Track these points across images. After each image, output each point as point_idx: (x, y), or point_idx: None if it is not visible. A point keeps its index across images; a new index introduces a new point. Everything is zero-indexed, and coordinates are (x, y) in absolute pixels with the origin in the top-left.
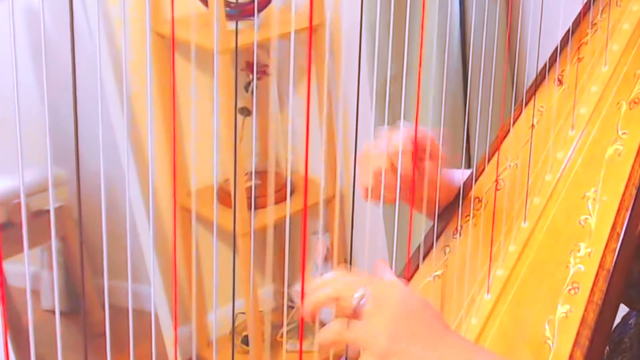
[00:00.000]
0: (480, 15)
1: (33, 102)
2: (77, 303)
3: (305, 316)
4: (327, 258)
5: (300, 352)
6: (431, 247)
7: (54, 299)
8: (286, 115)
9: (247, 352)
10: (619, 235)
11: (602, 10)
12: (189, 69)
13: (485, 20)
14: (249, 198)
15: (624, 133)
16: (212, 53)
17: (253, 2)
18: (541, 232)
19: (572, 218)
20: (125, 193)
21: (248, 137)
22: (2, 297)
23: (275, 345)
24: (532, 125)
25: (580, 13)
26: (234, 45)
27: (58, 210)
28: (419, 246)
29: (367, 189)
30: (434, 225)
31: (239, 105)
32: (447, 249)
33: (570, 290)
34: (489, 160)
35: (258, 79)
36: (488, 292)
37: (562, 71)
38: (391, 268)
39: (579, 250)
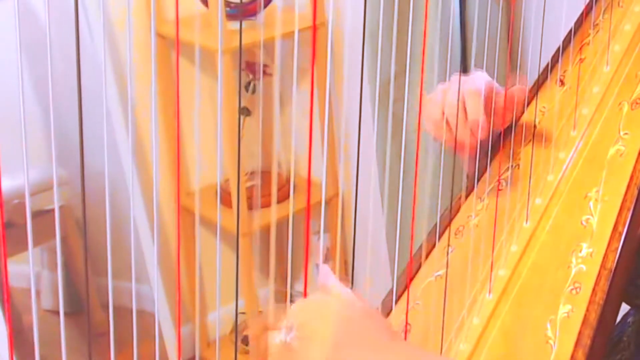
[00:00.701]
0: (482, 15)
1: (31, 102)
2: (77, 303)
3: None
4: (327, 258)
5: None
6: (433, 246)
7: (54, 299)
8: (286, 115)
9: (247, 352)
10: (620, 235)
11: (604, 11)
12: (190, 69)
13: (486, 21)
14: (249, 198)
15: (626, 133)
16: (212, 53)
17: (253, 2)
18: (543, 232)
19: (573, 218)
20: (125, 193)
21: (248, 137)
22: (7, 297)
23: None
24: (534, 126)
25: (582, 14)
26: (234, 45)
27: (59, 210)
28: (420, 246)
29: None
30: (436, 225)
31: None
32: (449, 249)
33: (572, 290)
34: (491, 160)
35: (258, 78)
36: (490, 292)
37: (564, 72)
38: (392, 268)
39: (580, 250)
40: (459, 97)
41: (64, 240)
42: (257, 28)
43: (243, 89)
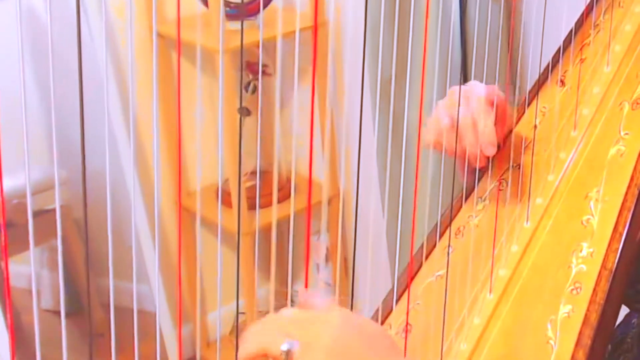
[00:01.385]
0: (483, 15)
1: (32, 102)
2: (76, 303)
3: None
4: (327, 258)
5: None
6: (433, 246)
7: (53, 299)
8: (286, 115)
9: None
10: (621, 235)
11: (605, 12)
12: (190, 69)
13: (487, 21)
14: (249, 198)
15: (627, 134)
16: (212, 53)
17: (253, 2)
18: (543, 232)
19: (574, 218)
20: (126, 193)
21: (248, 137)
22: (8, 297)
23: None
24: (535, 126)
25: (582, 14)
26: (234, 45)
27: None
28: (421, 246)
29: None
30: (436, 225)
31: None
32: (450, 249)
33: (572, 290)
34: (491, 160)
35: (259, 78)
36: (490, 292)
37: (565, 72)
38: (392, 268)
39: (581, 250)
40: (459, 105)
41: (63, 240)
42: (257, 28)
43: (243, 89)
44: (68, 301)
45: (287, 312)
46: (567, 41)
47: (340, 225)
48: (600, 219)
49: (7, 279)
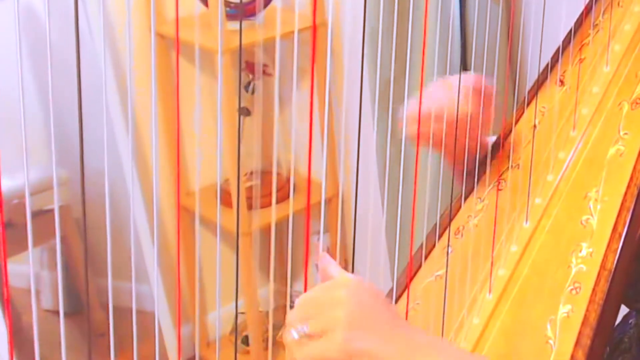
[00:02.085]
0: (482, 15)
1: (31, 102)
2: (76, 303)
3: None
4: None
5: None
6: (433, 246)
7: (54, 299)
8: (286, 115)
9: (247, 352)
10: (620, 235)
11: (604, 11)
12: (189, 69)
13: (486, 21)
14: (249, 198)
15: (626, 133)
16: (211, 53)
17: (253, 2)
18: (543, 232)
19: (573, 218)
20: (125, 193)
21: (248, 137)
22: (7, 297)
23: (276, 345)
24: (534, 126)
25: (582, 14)
26: (234, 45)
27: (58, 210)
28: (421, 246)
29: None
30: (436, 225)
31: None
32: (449, 249)
33: (571, 290)
34: (491, 160)
35: (258, 78)
36: (490, 292)
37: (564, 72)
38: (392, 268)
39: (580, 250)
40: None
41: (63, 240)
42: (256, 28)
43: (243, 89)
44: (67, 301)
45: (299, 300)
46: (567, 41)
47: (340, 225)
48: (600, 219)
49: (7, 279)
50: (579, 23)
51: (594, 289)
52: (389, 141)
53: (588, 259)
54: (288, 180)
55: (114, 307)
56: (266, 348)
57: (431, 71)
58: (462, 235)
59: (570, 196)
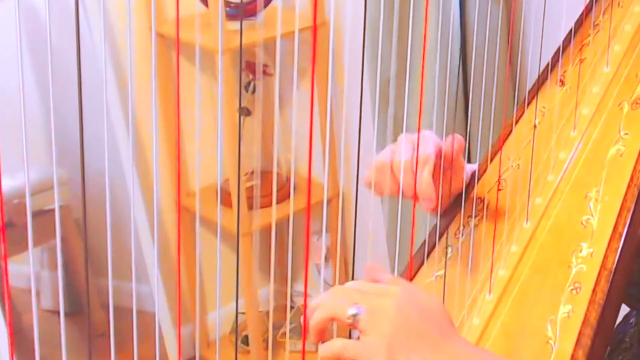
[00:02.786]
0: (482, 15)
1: (31, 102)
2: (76, 303)
3: (311, 341)
4: (327, 258)
5: (304, 352)
6: (433, 247)
7: (54, 299)
8: (286, 115)
9: (247, 352)
10: (620, 235)
11: (604, 11)
12: (190, 69)
13: (487, 21)
14: (249, 198)
15: (626, 134)
16: (212, 53)
17: (253, 2)
18: (543, 232)
19: (574, 218)
20: (126, 193)
21: (248, 137)
22: (7, 297)
23: (276, 345)
24: (534, 126)
25: (582, 14)
26: (234, 45)
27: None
28: (421, 246)
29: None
30: (436, 225)
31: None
32: (449, 249)
33: (572, 290)
34: (491, 161)
35: (259, 78)
36: (490, 292)
37: (564, 72)
38: (392, 268)
39: (580, 251)
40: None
41: (63, 240)
42: (257, 28)
43: (243, 89)
44: (68, 301)
45: (354, 283)
46: (567, 41)
47: (340, 225)
48: (600, 219)
49: (7, 279)
50: (579, 23)
51: (594, 289)
52: (389, 141)
53: (588, 259)
54: (288, 180)
55: (114, 307)
56: (266, 348)
57: (431, 71)
58: (462, 235)
59: (571, 196)
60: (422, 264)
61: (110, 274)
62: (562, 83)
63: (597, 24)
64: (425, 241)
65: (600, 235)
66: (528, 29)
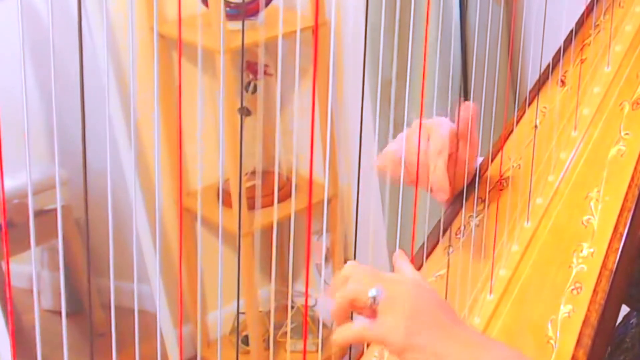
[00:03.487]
0: (483, 15)
1: (33, 102)
2: (77, 303)
3: (334, 319)
4: (327, 258)
5: (304, 352)
6: (434, 246)
7: (54, 299)
8: (287, 115)
9: (247, 352)
10: (621, 235)
11: (605, 12)
12: (191, 69)
13: (488, 21)
14: (250, 198)
15: (627, 134)
16: (213, 53)
17: (254, 1)
18: (544, 232)
19: (574, 218)
20: (126, 193)
21: (248, 137)
22: (9, 297)
23: (276, 345)
24: (535, 126)
25: (583, 14)
26: (235, 45)
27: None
28: (421, 246)
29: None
30: (436, 225)
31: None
32: (450, 249)
33: (572, 290)
34: (492, 161)
35: (259, 78)
36: (491, 292)
37: (565, 72)
38: (392, 268)
39: (581, 251)
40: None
41: (64, 240)
42: (257, 28)
43: (244, 89)
44: (69, 301)
45: (365, 267)
46: (568, 41)
47: (341, 225)
48: (601, 219)
49: (9, 279)
50: (580, 23)
51: (595, 289)
52: (389, 141)
53: (589, 259)
54: (289, 180)
55: (115, 307)
56: (267, 348)
57: (432, 72)
58: (463, 235)
59: (571, 196)
60: (422, 263)
61: (111, 274)
62: (563, 83)
63: (598, 24)
64: (425, 241)
65: (601, 236)
66: (529, 30)
